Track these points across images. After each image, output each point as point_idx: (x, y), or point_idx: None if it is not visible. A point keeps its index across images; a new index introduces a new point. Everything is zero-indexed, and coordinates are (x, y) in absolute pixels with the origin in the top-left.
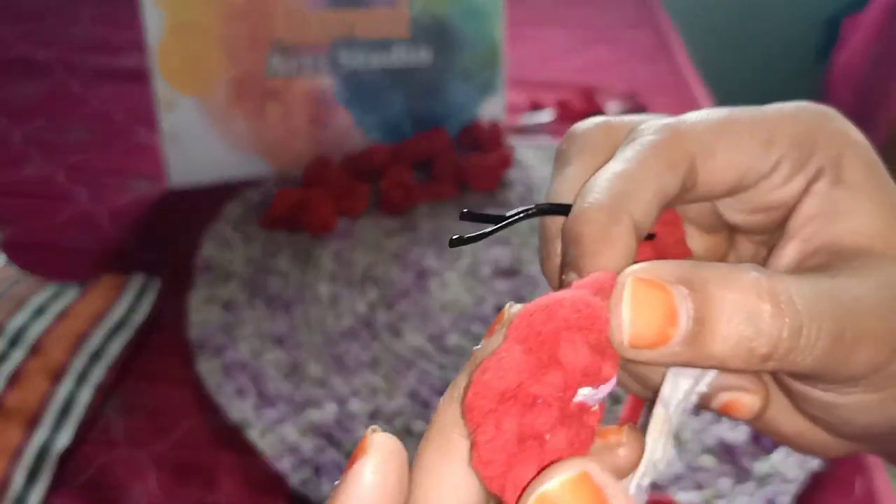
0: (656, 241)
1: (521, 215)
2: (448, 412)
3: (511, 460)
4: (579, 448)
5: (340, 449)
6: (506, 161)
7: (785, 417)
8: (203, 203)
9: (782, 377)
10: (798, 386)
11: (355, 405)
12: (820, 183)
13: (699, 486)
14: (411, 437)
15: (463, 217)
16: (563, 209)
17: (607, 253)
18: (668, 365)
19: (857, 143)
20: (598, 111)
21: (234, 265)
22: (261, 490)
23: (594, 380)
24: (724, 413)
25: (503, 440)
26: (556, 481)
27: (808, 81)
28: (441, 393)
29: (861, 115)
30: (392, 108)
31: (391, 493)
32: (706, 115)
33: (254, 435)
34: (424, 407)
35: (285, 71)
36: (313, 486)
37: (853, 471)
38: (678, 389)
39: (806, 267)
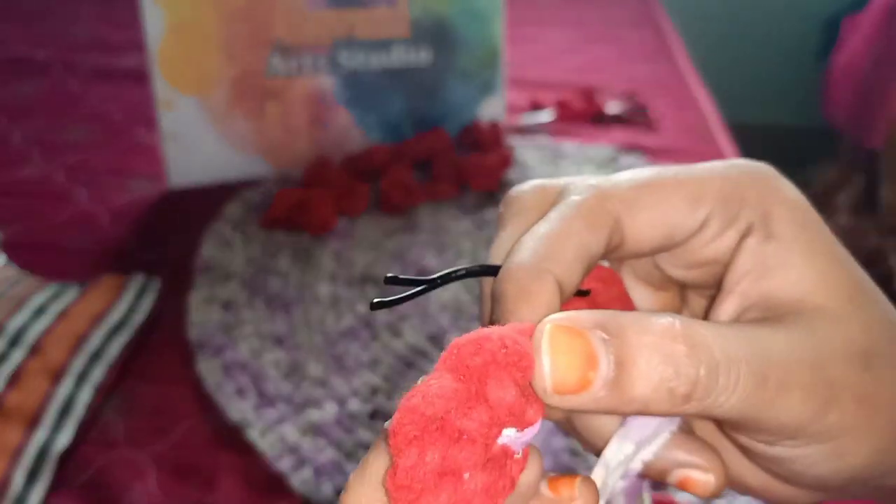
0: (592, 297)
1: (452, 277)
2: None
3: (425, 491)
4: (494, 496)
5: (340, 449)
6: (506, 161)
7: (750, 473)
8: (203, 203)
9: (733, 434)
10: (744, 440)
11: (355, 405)
12: (751, 238)
13: None
14: None
15: (388, 282)
16: (492, 270)
17: (527, 309)
18: (593, 412)
19: (788, 200)
20: (598, 111)
21: (234, 265)
22: (261, 490)
23: (519, 421)
24: (681, 489)
25: (423, 470)
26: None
27: (808, 81)
28: None
29: (861, 115)
30: (392, 108)
31: None
32: (633, 174)
33: (254, 435)
34: None
35: (285, 71)
36: (313, 486)
37: None
38: (620, 453)
39: (742, 321)
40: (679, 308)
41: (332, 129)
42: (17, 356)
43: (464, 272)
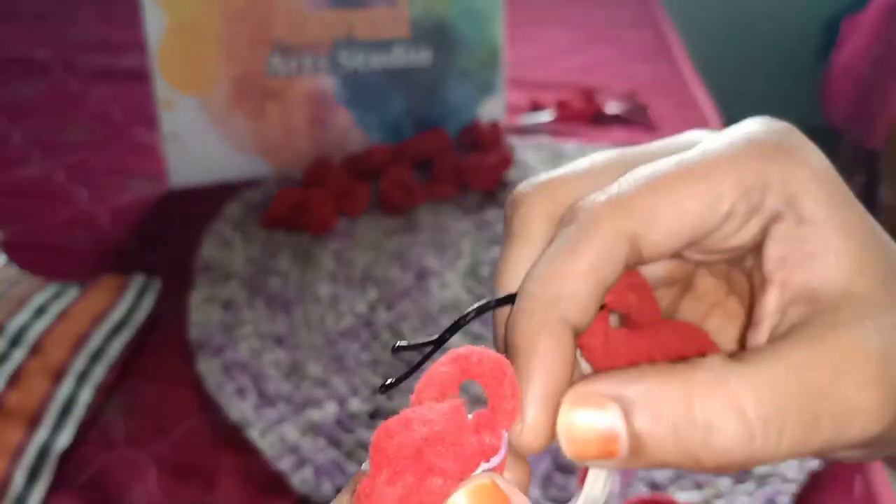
0: (625, 315)
1: (460, 324)
2: None
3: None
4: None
5: (341, 449)
6: (505, 161)
7: None
8: (203, 203)
9: None
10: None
11: (355, 405)
12: (781, 225)
13: (699, 486)
14: None
15: (396, 351)
16: (504, 301)
17: (541, 373)
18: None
19: (815, 176)
20: (598, 111)
21: (235, 265)
22: (261, 490)
23: (474, 466)
24: None
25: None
26: (461, 493)
27: (808, 81)
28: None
29: (861, 116)
30: (392, 108)
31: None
32: (643, 179)
33: (254, 435)
34: None
35: (285, 71)
36: (313, 485)
37: (852, 470)
38: (597, 483)
39: (788, 321)
40: (693, 272)
41: (333, 129)
42: (18, 356)
43: (473, 314)
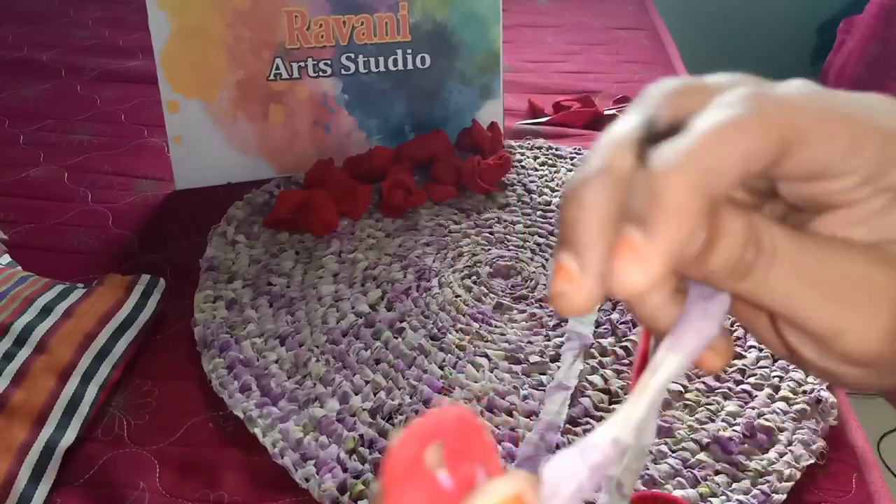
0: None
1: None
2: None
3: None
4: None
5: (342, 445)
6: (504, 163)
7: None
8: (207, 204)
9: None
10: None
11: (357, 402)
12: (881, 199)
13: (695, 483)
14: None
15: None
16: None
17: (674, 228)
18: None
19: None
20: (596, 114)
21: (239, 265)
22: (264, 485)
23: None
24: (698, 364)
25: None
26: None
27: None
28: (441, 391)
29: None
30: (393, 111)
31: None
32: (802, 91)
33: (257, 431)
34: (425, 404)
35: (288, 75)
36: (316, 481)
37: (849, 468)
38: (666, 363)
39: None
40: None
41: (335, 132)
42: (24, 355)
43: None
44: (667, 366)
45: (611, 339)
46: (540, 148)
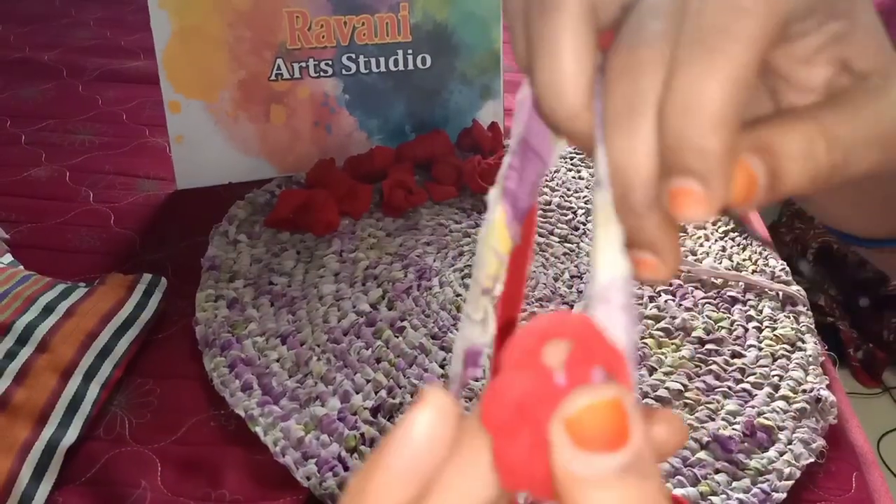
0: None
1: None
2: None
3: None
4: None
5: (344, 444)
6: None
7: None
8: (209, 204)
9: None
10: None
11: (358, 401)
12: (835, 24)
13: (695, 482)
14: None
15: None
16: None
17: None
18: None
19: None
20: None
21: (240, 265)
22: (266, 484)
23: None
24: (635, 267)
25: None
26: (584, 401)
27: None
28: None
29: None
30: (394, 111)
31: (439, 445)
32: None
33: (259, 430)
34: None
35: (289, 75)
36: (317, 480)
37: (849, 467)
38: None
39: (834, 87)
40: None
41: (336, 132)
42: (25, 354)
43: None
44: (602, 197)
45: None
46: None
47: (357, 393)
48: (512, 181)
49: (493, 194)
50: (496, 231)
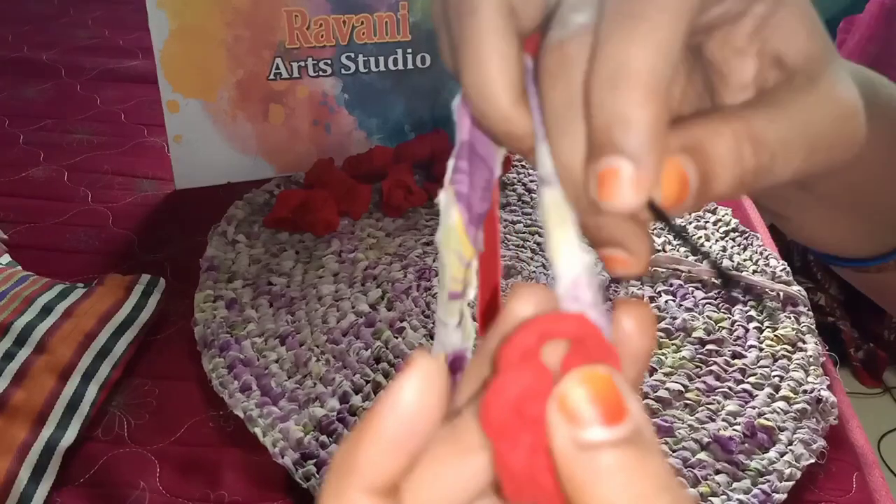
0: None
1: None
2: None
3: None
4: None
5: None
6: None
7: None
8: (208, 204)
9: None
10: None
11: (357, 402)
12: (761, 5)
13: (696, 483)
14: None
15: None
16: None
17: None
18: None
19: None
20: None
21: (239, 265)
22: (265, 486)
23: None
24: (605, 264)
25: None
26: (576, 378)
27: None
28: None
29: None
30: (393, 110)
31: (429, 413)
32: None
33: (257, 431)
34: None
35: (288, 74)
36: (316, 481)
37: (849, 468)
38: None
39: (765, 83)
40: None
41: (335, 132)
42: (24, 354)
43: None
44: (550, 193)
45: None
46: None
47: (356, 394)
48: (462, 185)
49: (444, 198)
50: (455, 235)
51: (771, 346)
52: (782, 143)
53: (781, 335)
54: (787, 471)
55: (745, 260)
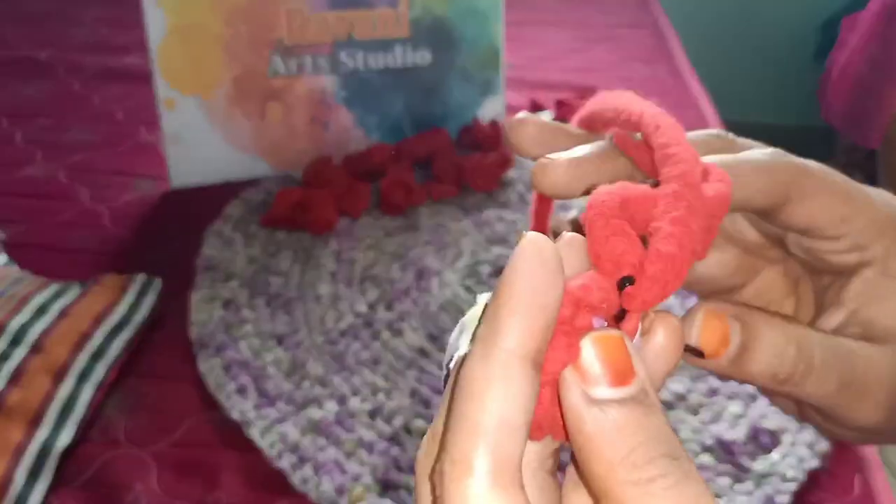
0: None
1: None
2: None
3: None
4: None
5: (340, 447)
6: (505, 161)
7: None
8: (204, 203)
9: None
10: (819, 422)
11: (355, 404)
12: (870, 270)
13: None
14: (411, 436)
15: None
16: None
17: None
18: (709, 372)
19: None
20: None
21: (235, 265)
22: (262, 488)
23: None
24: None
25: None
26: (588, 339)
27: (806, 82)
28: (440, 392)
29: (858, 116)
30: (392, 108)
31: (556, 281)
32: (820, 166)
33: (254, 433)
34: (425, 406)
35: (286, 71)
36: (313, 484)
37: (852, 470)
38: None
39: (845, 332)
40: (745, 265)
41: (333, 130)
42: (19, 355)
43: None
44: None
45: None
46: None
47: (354, 395)
48: None
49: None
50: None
51: None
52: (825, 364)
53: None
54: (790, 473)
55: None
